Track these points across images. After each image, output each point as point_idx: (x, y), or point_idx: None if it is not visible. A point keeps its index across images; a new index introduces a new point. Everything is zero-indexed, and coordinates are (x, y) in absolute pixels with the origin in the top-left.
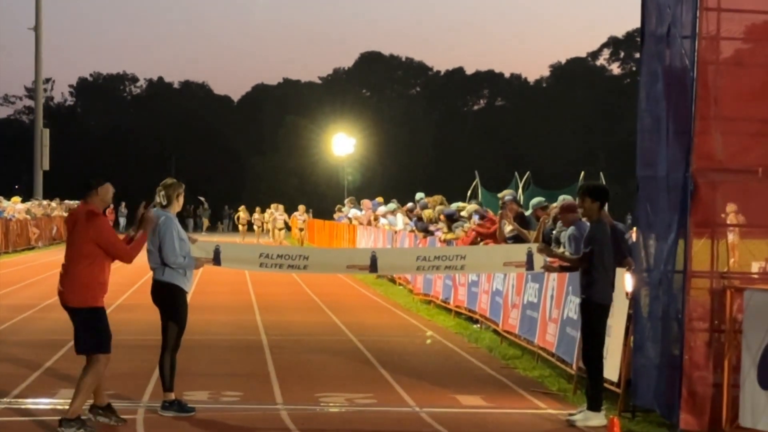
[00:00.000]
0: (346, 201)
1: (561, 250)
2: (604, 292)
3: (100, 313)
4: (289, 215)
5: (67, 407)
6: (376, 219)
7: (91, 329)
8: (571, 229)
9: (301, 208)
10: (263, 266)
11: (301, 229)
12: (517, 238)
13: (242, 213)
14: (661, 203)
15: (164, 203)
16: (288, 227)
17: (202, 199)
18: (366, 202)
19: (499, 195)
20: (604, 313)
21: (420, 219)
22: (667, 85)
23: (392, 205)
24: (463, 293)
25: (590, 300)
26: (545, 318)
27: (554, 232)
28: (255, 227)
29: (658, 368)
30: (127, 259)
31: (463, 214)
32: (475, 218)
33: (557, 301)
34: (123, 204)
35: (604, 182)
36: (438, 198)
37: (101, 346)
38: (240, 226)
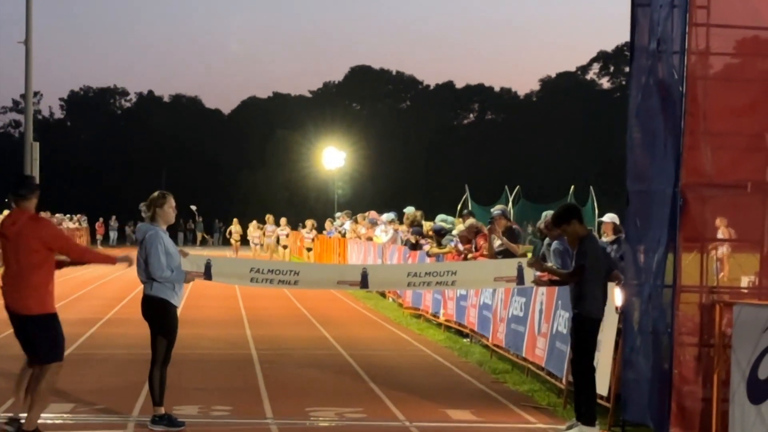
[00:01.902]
0: (341, 214)
1: (550, 263)
2: (595, 306)
3: (57, 319)
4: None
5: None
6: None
7: (50, 336)
8: (555, 243)
9: (309, 223)
10: (254, 281)
11: (309, 249)
12: (507, 253)
13: (235, 227)
14: (652, 217)
15: (149, 214)
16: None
17: (193, 208)
18: (373, 214)
19: (493, 209)
20: (595, 328)
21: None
22: (663, 99)
23: (390, 215)
24: (452, 307)
25: (582, 314)
26: (533, 332)
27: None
28: (252, 244)
29: (649, 382)
30: (78, 254)
31: (455, 232)
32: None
33: (546, 316)
34: (114, 217)
35: (593, 196)
36: (417, 213)
37: (58, 354)
38: (233, 242)
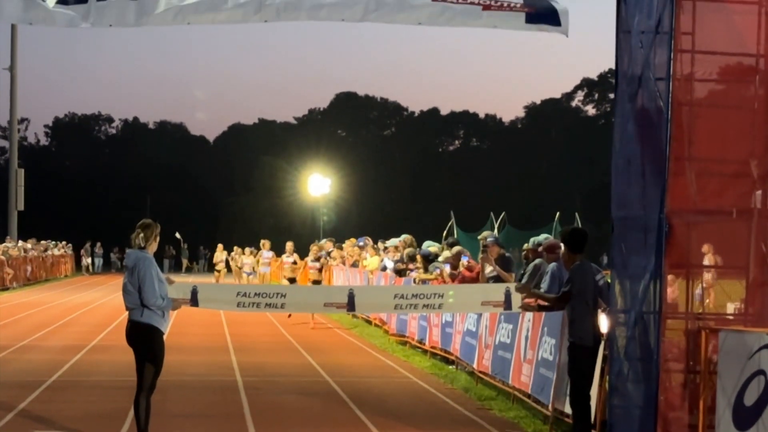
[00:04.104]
0: (325, 240)
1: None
2: (585, 333)
3: None
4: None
5: None
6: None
7: None
8: (552, 265)
9: (315, 249)
10: (240, 305)
11: (316, 282)
12: (498, 280)
13: (219, 254)
14: (636, 244)
15: (142, 244)
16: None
17: (178, 235)
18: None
19: (480, 237)
20: (586, 354)
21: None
22: (639, 126)
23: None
24: (437, 334)
25: (574, 342)
26: (519, 359)
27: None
28: (244, 273)
29: (636, 409)
30: None
31: (440, 258)
32: (464, 260)
33: (532, 342)
34: (98, 244)
35: (579, 222)
36: (408, 238)
37: None
38: (215, 272)
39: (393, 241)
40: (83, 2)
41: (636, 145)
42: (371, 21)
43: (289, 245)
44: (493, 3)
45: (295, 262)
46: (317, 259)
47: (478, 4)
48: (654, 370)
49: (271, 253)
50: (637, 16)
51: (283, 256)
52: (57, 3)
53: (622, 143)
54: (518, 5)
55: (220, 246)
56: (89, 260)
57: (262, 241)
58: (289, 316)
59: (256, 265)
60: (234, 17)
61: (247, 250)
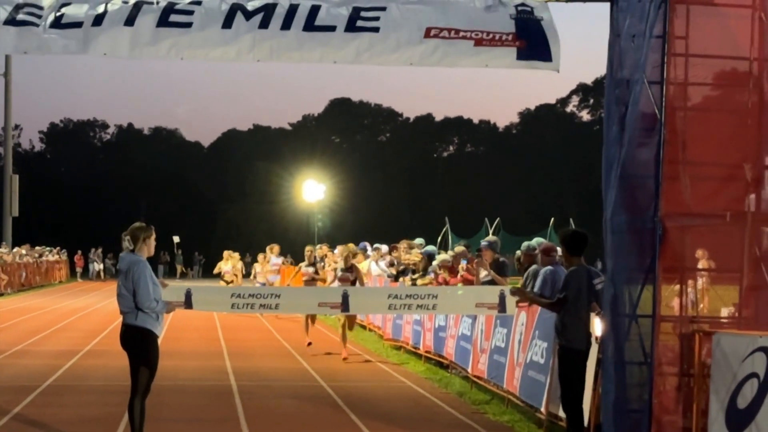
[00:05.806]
0: (321, 246)
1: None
2: (577, 337)
3: None
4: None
5: None
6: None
7: None
8: (546, 269)
9: (347, 253)
10: (235, 307)
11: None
12: (492, 284)
13: (225, 263)
14: (629, 247)
15: (131, 247)
16: None
17: (176, 239)
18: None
19: (482, 241)
20: (578, 358)
21: (391, 264)
22: (621, 129)
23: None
24: (431, 338)
25: (565, 346)
26: (513, 362)
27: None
28: (257, 283)
29: (632, 413)
30: None
31: (435, 262)
32: (463, 263)
33: (524, 346)
34: (98, 249)
35: (573, 228)
36: (405, 244)
37: None
38: (222, 282)
39: (381, 246)
40: (77, 26)
41: (614, 149)
42: (363, 63)
43: (309, 250)
44: (484, 37)
45: (314, 278)
46: (348, 269)
47: (470, 38)
48: (648, 373)
49: (280, 259)
50: (628, 20)
51: (302, 265)
52: (51, 26)
53: (607, 146)
54: (509, 38)
55: (226, 253)
56: (101, 266)
57: (270, 246)
58: (309, 344)
59: (264, 272)
60: (227, 55)
61: (260, 256)
